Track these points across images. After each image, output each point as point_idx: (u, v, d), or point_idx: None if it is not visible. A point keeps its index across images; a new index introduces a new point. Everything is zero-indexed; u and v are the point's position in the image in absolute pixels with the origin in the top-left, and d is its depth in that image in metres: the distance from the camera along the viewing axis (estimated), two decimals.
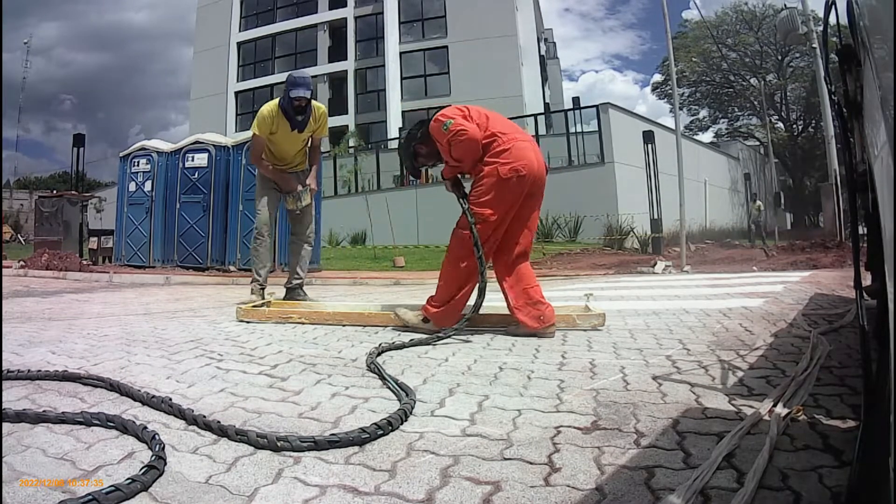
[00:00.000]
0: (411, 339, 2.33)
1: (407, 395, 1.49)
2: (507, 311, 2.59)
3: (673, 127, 10.62)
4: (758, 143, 29.37)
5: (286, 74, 3.60)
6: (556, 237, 13.20)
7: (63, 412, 1.34)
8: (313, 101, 3.60)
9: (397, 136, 19.12)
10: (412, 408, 1.39)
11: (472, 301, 2.56)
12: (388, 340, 2.37)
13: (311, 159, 3.84)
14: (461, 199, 2.58)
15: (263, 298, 3.54)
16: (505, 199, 2.45)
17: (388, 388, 1.61)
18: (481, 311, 2.90)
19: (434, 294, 2.60)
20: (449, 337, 2.39)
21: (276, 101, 3.56)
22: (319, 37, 24.42)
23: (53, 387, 1.65)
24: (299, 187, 3.69)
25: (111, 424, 1.27)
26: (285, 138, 3.59)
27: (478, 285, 2.50)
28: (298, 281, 3.78)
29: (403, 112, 22.78)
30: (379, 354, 2.05)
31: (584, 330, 2.59)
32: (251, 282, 3.74)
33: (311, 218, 3.82)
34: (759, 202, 18.67)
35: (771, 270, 6.86)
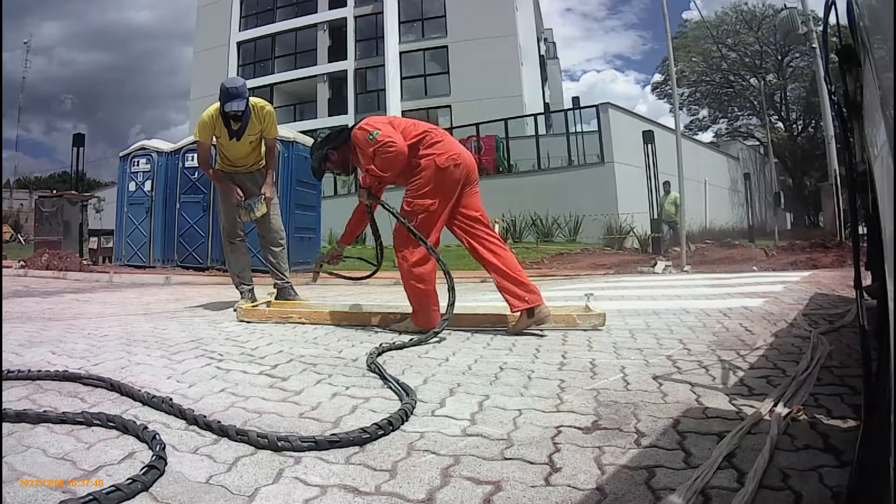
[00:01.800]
0: (411, 339, 2.33)
1: (407, 394, 1.49)
2: (506, 311, 2.61)
3: (673, 127, 10.62)
4: (758, 143, 29.35)
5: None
6: (556, 237, 13.20)
7: (64, 412, 1.34)
8: (256, 101, 3.50)
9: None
10: (413, 408, 1.40)
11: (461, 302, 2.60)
12: (388, 340, 2.37)
13: (266, 163, 3.71)
14: (385, 205, 2.70)
15: (256, 300, 3.51)
16: (444, 187, 2.55)
17: (390, 387, 1.61)
18: (482, 311, 2.90)
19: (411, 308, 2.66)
20: (442, 330, 2.41)
21: (217, 104, 3.45)
22: (319, 36, 24.38)
23: (54, 387, 1.66)
24: (240, 197, 3.56)
25: (112, 424, 1.28)
26: (229, 141, 3.51)
27: (447, 283, 2.50)
28: (281, 282, 3.73)
29: (403, 112, 22.71)
30: (379, 354, 2.05)
31: (585, 330, 2.59)
32: (237, 286, 3.73)
33: (272, 222, 3.71)
34: (674, 193, 11.08)
35: (771, 270, 6.86)
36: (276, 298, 3.60)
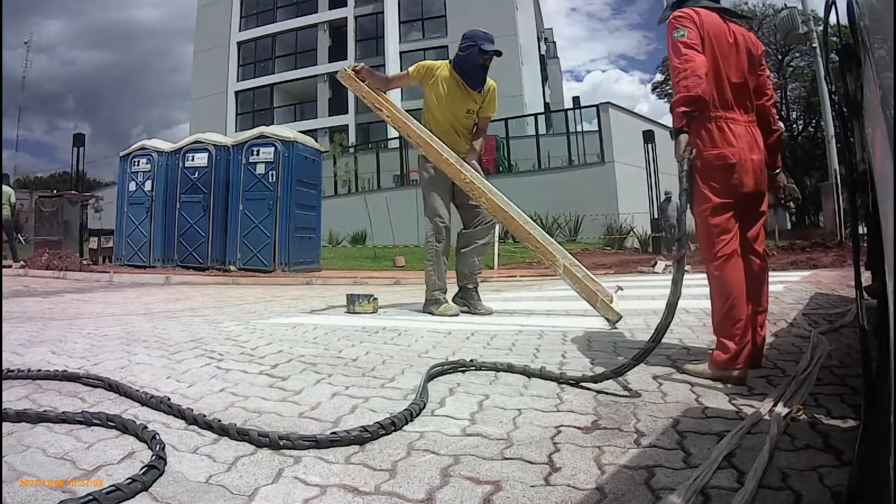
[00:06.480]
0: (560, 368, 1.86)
1: (420, 396, 1.47)
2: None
3: None
4: None
5: (464, 37, 3.20)
6: (556, 237, 13.22)
7: (63, 412, 1.34)
8: None
9: (397, 135, 19.14)
10: (421, 409, 1.38)
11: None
12: (390, 341, 2.36)
13: (475, 136, 3.39)
14: (686, 163, 1.71)
15: (454, 306, 3.27)
16: None
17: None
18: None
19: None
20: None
21: (445, 61, 3.28)
22: (319, 36, 24.39)
23: (54, 386, 1.66)
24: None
25: (111, 424, 1.28)
26: (451, 102, 3.25)
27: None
28: (468, 282, 3.36)
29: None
30: (434, 377, 1.72)
31: (585, 329, 2.59)
32: (431, 292, 3.31)
33: (479, 208, 3.28)
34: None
35: (771, 270, 6.86)
36: (457, 297, 3.37)
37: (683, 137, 1.73)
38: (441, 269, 3.32)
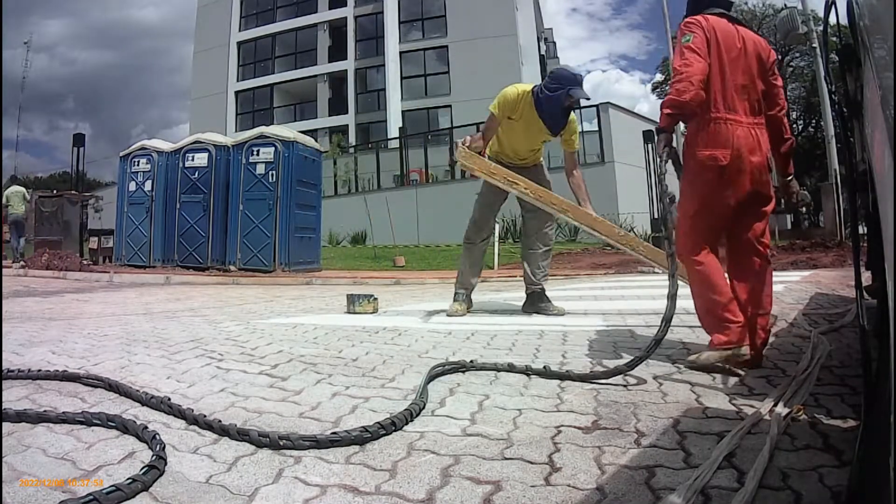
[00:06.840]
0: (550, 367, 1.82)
1: (420, 396, 1.46)
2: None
3: None
4: None
5: (552, 76, 3.07)
6: (556, 237, 13.24)
7: (64, 412, 1.34)
8: None
9: (398, 135, 19.18)
10: (420, 409, 1.38)
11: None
12: (393, 341, 2.36)
13: (569, 172, 3.38)
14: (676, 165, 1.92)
15: (463, 307, 3.24)
16: None
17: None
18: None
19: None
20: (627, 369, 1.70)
21: (530, 86, 3.14)
22: (319, 36, 24.38)
23: (54, 386, 1.66)
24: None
25: (112, 424, 1.28)
26: (525, 130, 3.16)
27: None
28: (535, 287, 3.29)
29: (403, 112, 22.78)
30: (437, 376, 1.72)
31: (584, 329, 2.59)
32: (458, 288, 3.33)
33: (547, 219, 3.28)
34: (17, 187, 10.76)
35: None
36: (527, 304, 3.33)
37: (662, 136, 1.82)
38: (469, 263, 3.31)
